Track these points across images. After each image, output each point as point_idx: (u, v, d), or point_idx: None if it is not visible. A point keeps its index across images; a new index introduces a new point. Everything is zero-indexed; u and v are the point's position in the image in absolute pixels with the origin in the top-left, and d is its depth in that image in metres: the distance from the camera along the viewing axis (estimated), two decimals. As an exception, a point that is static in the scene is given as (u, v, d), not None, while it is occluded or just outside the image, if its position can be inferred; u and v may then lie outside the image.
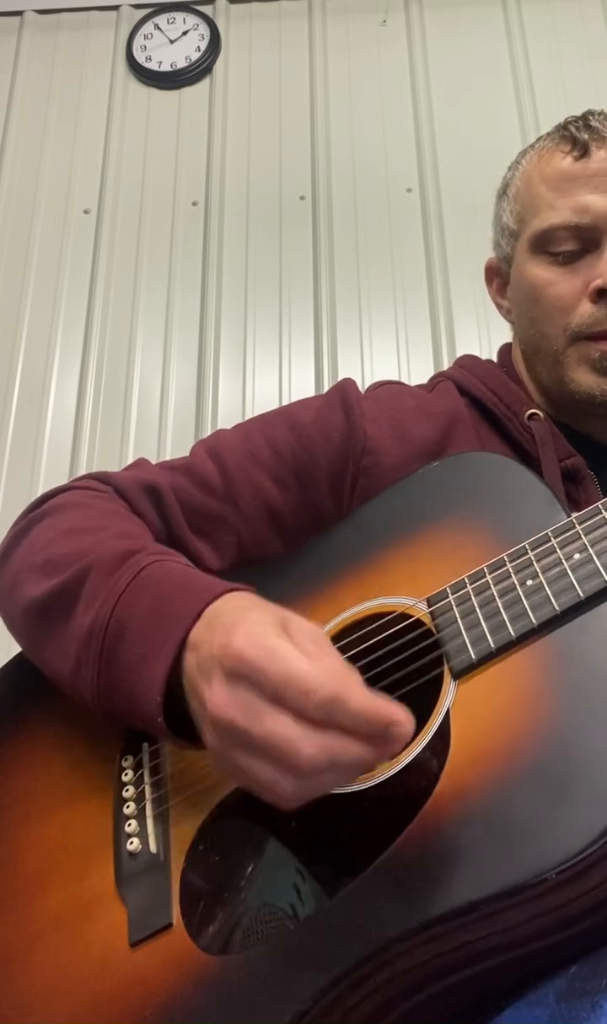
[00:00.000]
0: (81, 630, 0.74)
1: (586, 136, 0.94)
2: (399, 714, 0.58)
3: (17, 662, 0.88)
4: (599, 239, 0.92)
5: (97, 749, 0.79)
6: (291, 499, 0.92)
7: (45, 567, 0.80)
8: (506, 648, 0.68)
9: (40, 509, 0.89)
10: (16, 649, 0.87)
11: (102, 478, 0.94)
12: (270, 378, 2.03)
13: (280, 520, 0.92)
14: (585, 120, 0.96)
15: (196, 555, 0.91)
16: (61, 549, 0.81)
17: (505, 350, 1.09)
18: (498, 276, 1.07)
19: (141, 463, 0.99)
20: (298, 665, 0.59)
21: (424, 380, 1.09)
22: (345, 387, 0.98)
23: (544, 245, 0.95)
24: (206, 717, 0.62)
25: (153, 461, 1.00)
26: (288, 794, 0.60)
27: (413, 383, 1.08)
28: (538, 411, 0.96)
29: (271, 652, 0.60)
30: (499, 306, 1.08)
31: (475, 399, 0.99)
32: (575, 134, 0.94)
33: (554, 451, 0.92)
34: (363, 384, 1.04)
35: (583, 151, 0.94)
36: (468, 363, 1.06)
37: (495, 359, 1.08)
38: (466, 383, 1.01)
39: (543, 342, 0.96)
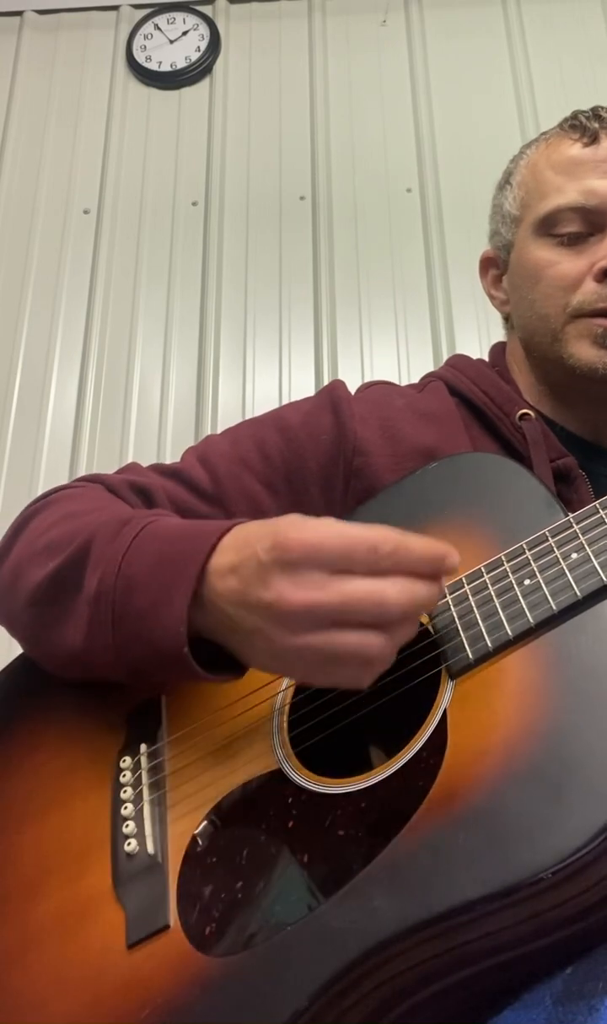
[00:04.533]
0: (89, 596, 0.74)
1: (596, 125, 0.97)
2: (448, 547, 0.64)
3: (16, 665, 0.88)
4: (604, 223, 0.93)
5: (96, 750, 0.79)
6: (282, 503, 0.92)
7: (46, 550, 0.81)
8: (504, 648, 0.68)
9: (34, 506, 0.90)
10: (16, 651, 0.87)
11: (93, 479, 0.94)
12: (270, 378, 2.03)
13: None
14: (594, 111, 0.99)
15: None
16: (60, 531, 0.81)
17: (497, 349, 1.08)
18: (494, 267, 1.07)
19: (132, 467, 0.99)
20: (354, 531, 0.63)
21: (423, 381, 1.08)
22: (334, 389, 0.98)
23: (549, 227, 0.96)
24: (273, 622, 0.63)
25: (153, 462, 1.00)
26: (377, 650, 0.63)
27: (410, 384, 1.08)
28: (529, 411, 0.96)
29: (324, 530, 0.63)
30: (493, 298, 1.08)
31: (466, 399, 0.99)
32: (585, 123, 0.97)
33: (545, 451, 0.92)
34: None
35: (593, 138, 0.96)
36: (459, 363, 1.05)
37: (487, 358, 1.08)
38: (457, 383, 1.01)
39: (541, 323, 0.96)
